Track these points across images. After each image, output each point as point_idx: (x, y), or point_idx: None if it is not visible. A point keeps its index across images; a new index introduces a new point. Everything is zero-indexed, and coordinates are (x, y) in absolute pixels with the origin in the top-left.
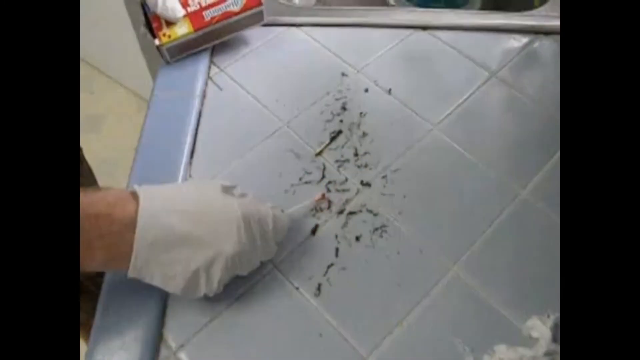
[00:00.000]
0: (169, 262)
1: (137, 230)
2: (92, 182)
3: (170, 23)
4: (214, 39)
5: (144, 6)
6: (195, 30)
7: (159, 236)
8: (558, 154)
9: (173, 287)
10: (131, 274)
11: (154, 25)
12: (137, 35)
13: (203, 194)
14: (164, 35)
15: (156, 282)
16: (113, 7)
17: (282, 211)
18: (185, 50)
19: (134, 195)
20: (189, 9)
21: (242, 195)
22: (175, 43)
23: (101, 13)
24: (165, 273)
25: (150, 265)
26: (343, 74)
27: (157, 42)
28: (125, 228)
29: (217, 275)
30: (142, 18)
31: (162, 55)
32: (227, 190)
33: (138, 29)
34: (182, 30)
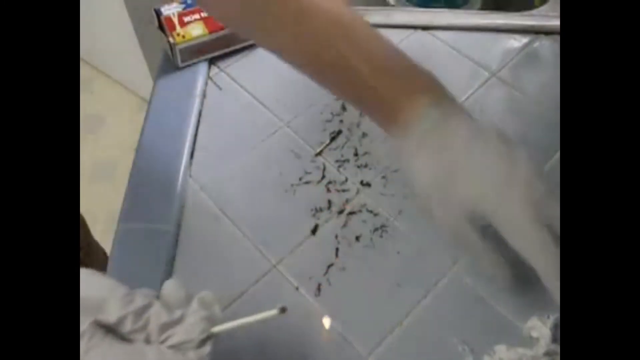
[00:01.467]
0: None
1: None
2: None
3: (184, 24)
4: (226, 47)
5: (156, 11)
6: (210, 33)
7: None
8: (558, 154)
9: None
10: None
11: (168, 26)
12: (137, 35)
13: None
14: (178, 35)
15: None
16: (113, 7)
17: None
18: (196, 55)
19: None
20: (203, 14)
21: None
22: (188, 44)
23: (101, 13)
24: None
25: None
26: None
27: (171, 40)
28: None
29: None
30: (155, 21)
31: (173, 59)
32: None
33: (138, 29)
34: (197, 31)
